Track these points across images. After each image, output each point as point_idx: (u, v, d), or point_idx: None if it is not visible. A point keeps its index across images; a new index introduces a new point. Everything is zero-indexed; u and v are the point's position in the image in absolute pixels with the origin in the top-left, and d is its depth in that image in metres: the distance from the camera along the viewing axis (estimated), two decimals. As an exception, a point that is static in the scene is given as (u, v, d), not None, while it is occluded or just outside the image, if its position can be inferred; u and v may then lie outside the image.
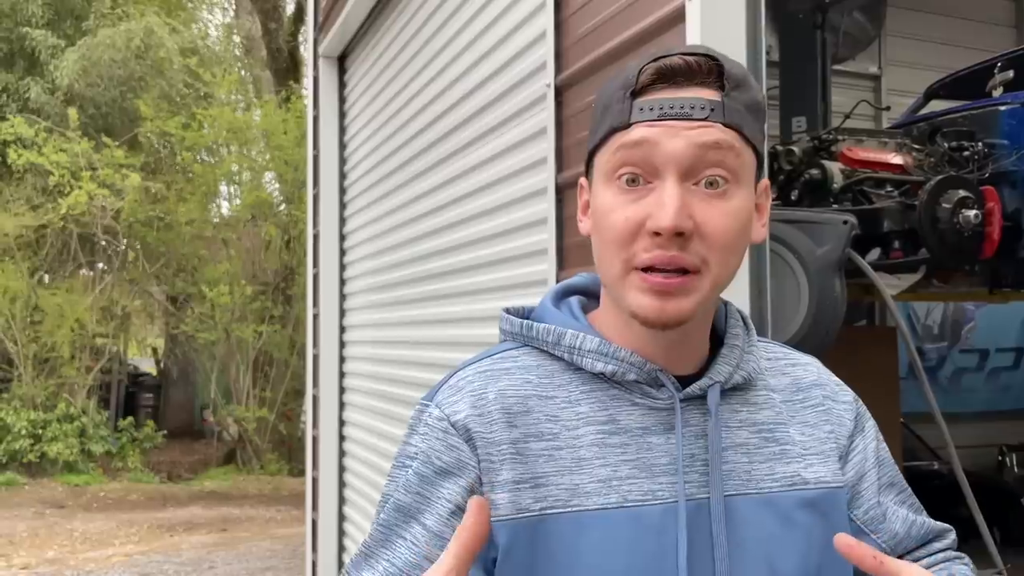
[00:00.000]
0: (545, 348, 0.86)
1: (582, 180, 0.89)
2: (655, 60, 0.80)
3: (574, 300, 0.91)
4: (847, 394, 0.95)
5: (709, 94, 0.78)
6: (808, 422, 0.90)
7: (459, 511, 0.78)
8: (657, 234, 0.76)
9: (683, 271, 0.78)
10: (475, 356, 0.89)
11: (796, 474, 0.86)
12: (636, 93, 0.79)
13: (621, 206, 0.79)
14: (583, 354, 0.84)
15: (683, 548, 0.79)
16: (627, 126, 0.79)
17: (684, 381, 0.84)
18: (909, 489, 0.96)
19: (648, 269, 0.78)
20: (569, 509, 0.79)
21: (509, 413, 0.82)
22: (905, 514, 0.94)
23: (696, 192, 0.78)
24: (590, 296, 0.92)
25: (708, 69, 0.79)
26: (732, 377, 0.86)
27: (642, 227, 0.78)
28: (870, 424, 0.95)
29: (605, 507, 0.80)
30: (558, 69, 2.18)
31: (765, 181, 0.87)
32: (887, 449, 0.96)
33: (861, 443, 0.92)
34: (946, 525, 0.97)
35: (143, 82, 10.63)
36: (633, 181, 0.79)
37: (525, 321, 0.88)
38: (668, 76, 0.78)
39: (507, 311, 0.91)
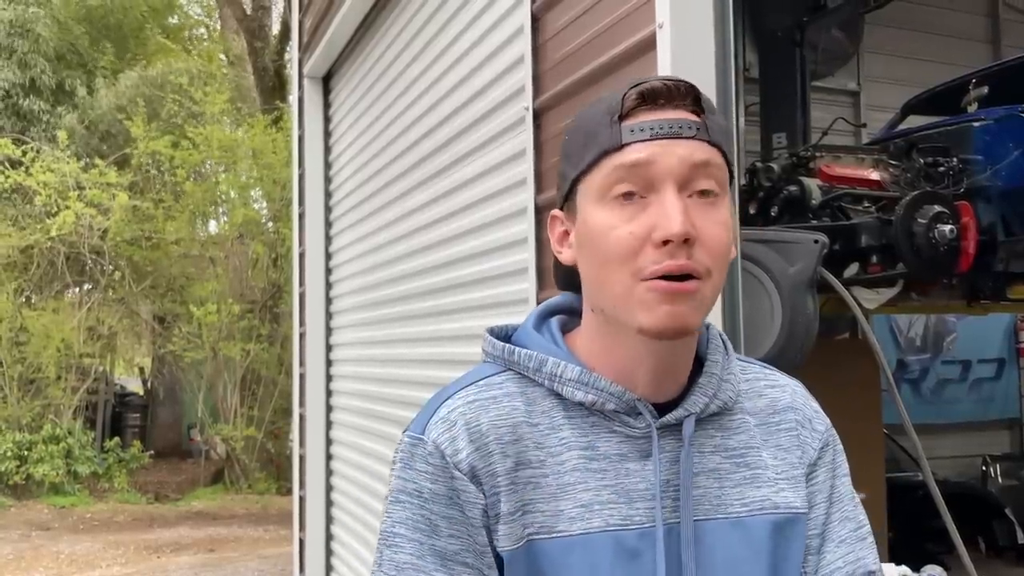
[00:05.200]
0: (526, 374, 0.87)
1: (555, 212, 0.90)
2: (636, 86, 0.83)
3: (555, 322, 0.92)
4: (821, 424, 0.95)
5: (690, 115, 0.82)
6: (782, 446, 0.91)
7: (486, 549, 0.82)
8: (665, 243, 0.78)
9: (690, 276, 0.80)
10: (458, 383, 0.89)
11: (766, 498, 0.88)
12: (623, 117, 0.82)
13: (622, 222, 0.80)
14: (564, 382, 0.85)
15: (661, 572, 0.81)
16: (620, 147, 0.81)
17: (663, 407, 0.86)
18: (862, 533, 0.94)
19: (655, 279, 0.79)
20: (554, 535, 0.82)
21: (502, 443, 0.84)
22: (835, 558, 0.91)
23: (691, 202, 0.80)
24: (572, 316, 0.93)
25: (685, 92, 0.83)
26: (708, 407, 0.87)
27: (647, 240, 0.79)
28: (840, 460, 0.95)
29: (588, 531, 0.82)
30: (536, 93, 2.22)
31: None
32: (850, 487, 0.96)
33: (822, 475, 0.93)
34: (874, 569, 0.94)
35: (136, 104, 10.74)
36: (629, 196, 0.80)
37: (507, 345, 0.89)
38: (651, 99, 0.82)
39: (490, 332, 0.92)
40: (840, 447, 0.96)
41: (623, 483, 0.84)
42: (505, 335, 0.92)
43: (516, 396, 0.86)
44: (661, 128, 0.80)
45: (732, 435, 0.89)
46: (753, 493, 0.87)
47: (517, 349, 0.88)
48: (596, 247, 0.82)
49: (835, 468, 0.94)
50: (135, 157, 10.37)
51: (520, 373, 0.88)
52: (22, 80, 11.15)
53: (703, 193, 0.81)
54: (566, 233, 0.88)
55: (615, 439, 0.85)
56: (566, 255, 0.88)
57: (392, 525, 0.84)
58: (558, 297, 0.96)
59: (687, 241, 0.79)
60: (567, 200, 0.87)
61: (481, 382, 0.88)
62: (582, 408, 0.86)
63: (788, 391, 0.95)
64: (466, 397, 0.86)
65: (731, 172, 0.86)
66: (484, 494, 0.82)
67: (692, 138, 0.81)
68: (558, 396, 0.86)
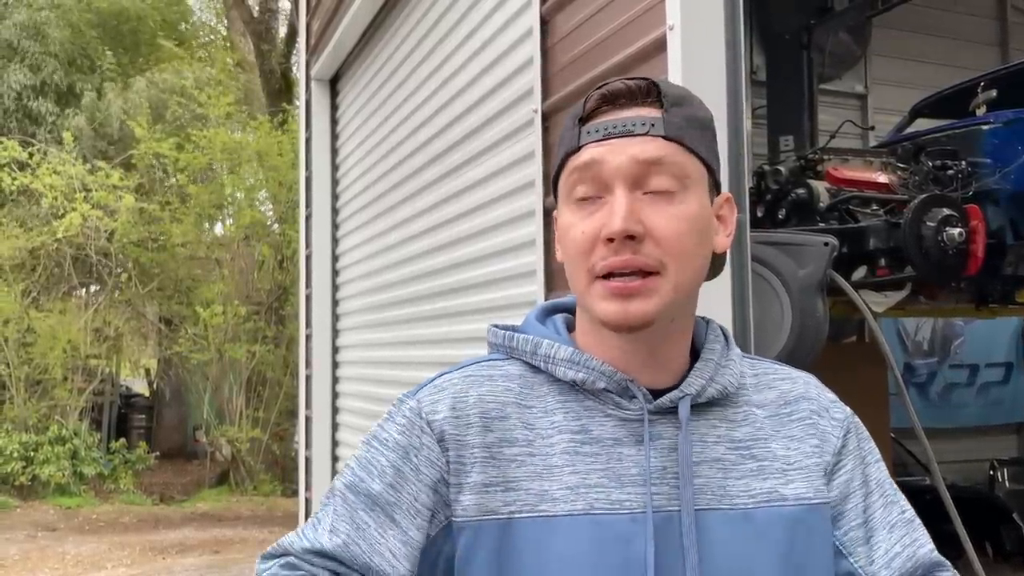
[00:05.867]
0: (525, 358, 0.90)
1: (555, 213, 0.93)
2: (599, 88, 0.86)
3: (559, 317, 0.94)
4: (840, 412, 0.94)
5: (649, 112, 0.84)
6: (794, 436, 0.90)
7: (423, 510, 0.84)
8: (611, 240, 0.81)
9: (641, 274, 0.81)
10: (463, 362, 0.93)
11: (773, 490, 0.86)
12: (584, 119, 0.86)
13: (579, 221, 0.84)
14: (556, 362, 0.87)
15: (651, 559, 0.80)
16: (577, 149, 0.85)
17: (660, 394, 0.86)
18: (909, 516, 0.92)
19: (608, 277, 0.82)
20: (536, 514, 0.82)
21: (487, 417, 0.86)
22: (891, 544, 0.89)
23: (645, 199, 0.82)
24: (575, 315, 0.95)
25: (647, 90, 0.85)
26: (705, 391, 0.87)
27: (597, 238, 0.82)
28: (868, 446, 0.93)
29: (571, 513, 0.82)
30: (544, 95, 2.22)
31: (726, 194, 0.90)
32: (885, 472, 0.93)
33: (850, 463, 0.91)
34: (941, 560, 0.92)
35: (141, 106, 10.81)
36: (586, 198, 0.84)
37: (507, 332, 0.92)
38: (611, 99, 0.85)
39: (495, 326, 0.95)
40: (865, 433, 0.94)
41: (615, 467, 0.83)
42: (510, 330, 0.95)
43: (514, 378, 0.89)
44: (614, 128, 0.83)
45: (738, 427, 0.88)
46: (759, 485, 0.86)
47: (517, 335, 0.91)
48: (563, 246, 0.87)
49: (864, 455, 0.92)
50: (139, 159, 10.42)
51: (522, 360, 0.90)
52: (33, 82, 11.26)
53: (658, 190, 0.83)
54: None
55: (610, 423, 0.85)
56: (559, 254, 0.92)
57: (349, 459, 0.90)
58: (565, 297, 0.98)
59: (633, 238, 0.81)
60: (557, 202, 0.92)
61: (485, 363, 0.92)
62: (578, 392, 0.87)
63: (800, 382, 0.94)
64: (464, 372, 0.90)
65: (705, 162, 0.86)
66: (448, 460, 0.84)
67: (645, 135, 0.83)
68: (556, 381, 0.88)
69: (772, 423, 0.90)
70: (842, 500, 0.89)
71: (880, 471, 0.93)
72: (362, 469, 0.86)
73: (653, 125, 0.83)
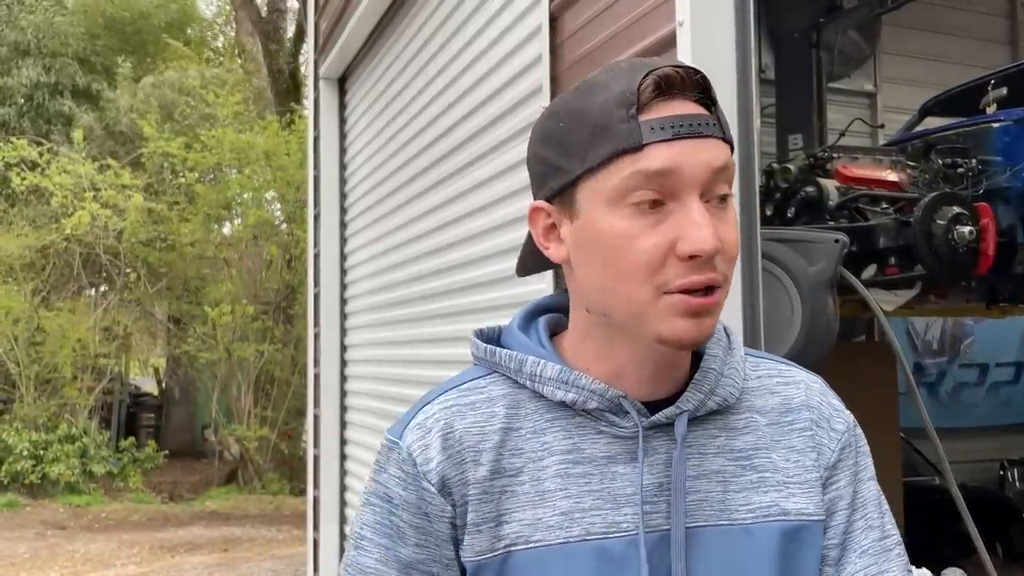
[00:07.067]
0: (509, 375, 0.84)
1: (539, 204, 0.83)
2: (649, 73, 0.76)
3: (542, 322, 0.88)
4: (841, 423, 0.88)
5: (699, 108, 0.77)
6: (794, 447, 0.85)
7: (452, 563, 0.81)
8: (692, 257, 0.74)
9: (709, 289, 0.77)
10: (443, 386, 0.86)
11: (774, 504, 0.82)
12: (640, 109, 0.75)
13: (643, 232, 0.75)
14: (544, 382, 0.82)
15: None
16: (640, 147, 0.74)
17: (660, 405, 0.81)
18: (889, 544, 0.87)
19: (680, 294, 0.76)
20: (531, 545, 0.79)
21: (475, 451, 0.81)
22: (855, 570, 0.85)
23: (710, 209, 0.76)
24: (562, 313, 0.89)
25: (699, 81, 0.77)
26: (705, 404, 0.82)
27: (670, 251, 0.75)
28: (864, 461, 0.89)
29: (567, 541, 0.79)
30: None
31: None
32: (875, 491, 0.89)
33: (844, 479, 0.87)
34: None
35: (150, 104, 10.89)
36: (656, 203, 0.75)
37: (489, 346, 0.86)
38: (665, 89, 0.76)
39: (477, 334, 0.89)
40: (864, 447, 0.90)
41: (609, 487, 0.80)
42: (493, 336, 0.89)
43: (498, 401, 0.83)
44: (682, 126, 0.75)
45: (738, 435, 0.84)
46: (760, 498, 0.82)
47: (499, 350, 0.85)
48: (611, 257, 0.77)
49: (858, 471, 0.88)
50: (147, 158, 10.47)
51: (505, 375, 0.85)
52: (47, 81, 11.37)
53: (722, 198, 0.77)
54: (553, 227, 0.82)
55: (603, 440, 0.81)
56: (557, 252, 0.82)
57: (361, 527, 0.84)
58: (547, 296, 0.92)
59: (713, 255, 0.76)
60: (560, 194, 0.80)
61: (464, 385, 0.85)
62: (566, 409, 0.82)
63: (803, 388, 0.88)
64: (444, 402, 0.84)
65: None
66: (453, 505, 0.80)
67: (711, 136, 0.76)
68: (543, 398, 0.83)
69: (773, 431, 0.85)
70: (828, 516, 0.85)
71: (869, 490, 0.88)
72: (382, 536, 0.83)
73: (714, 125, 0.77)
